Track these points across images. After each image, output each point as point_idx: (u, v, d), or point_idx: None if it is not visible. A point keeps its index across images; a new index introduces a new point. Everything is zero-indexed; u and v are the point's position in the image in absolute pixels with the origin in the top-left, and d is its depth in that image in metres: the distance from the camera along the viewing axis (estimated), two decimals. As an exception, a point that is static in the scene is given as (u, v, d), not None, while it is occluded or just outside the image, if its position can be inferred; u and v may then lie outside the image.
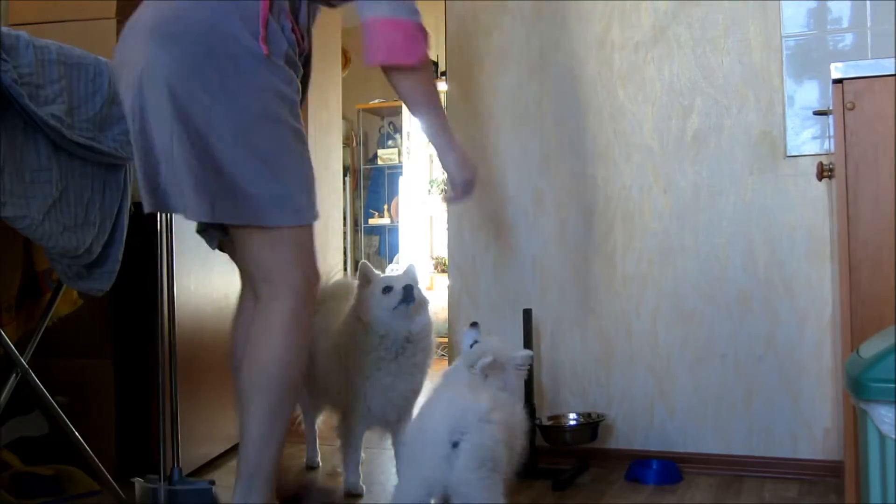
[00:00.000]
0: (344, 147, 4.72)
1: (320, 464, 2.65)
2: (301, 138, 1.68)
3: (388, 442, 2.48)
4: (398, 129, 6.58)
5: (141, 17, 1.69)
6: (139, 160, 1.65)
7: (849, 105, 1.77)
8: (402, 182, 6.42)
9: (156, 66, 1.59)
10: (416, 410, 1.59)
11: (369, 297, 2.23)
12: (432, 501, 1.56)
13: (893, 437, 1.20)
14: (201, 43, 1.60)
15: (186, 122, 1.58)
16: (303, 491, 2.05)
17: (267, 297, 1.69)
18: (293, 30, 1.68)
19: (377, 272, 2.31)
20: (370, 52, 1.72)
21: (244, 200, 1.62)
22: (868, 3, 2.38)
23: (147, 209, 1.70)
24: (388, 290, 2.22)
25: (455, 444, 1.48)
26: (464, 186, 1.92)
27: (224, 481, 2.48)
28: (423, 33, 1.77)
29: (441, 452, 1.49)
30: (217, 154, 1.59)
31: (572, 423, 2.58)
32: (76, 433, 2.01)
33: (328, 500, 2.13)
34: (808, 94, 2.43)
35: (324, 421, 2.72)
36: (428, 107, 1.86)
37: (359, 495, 2.31)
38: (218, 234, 1.82)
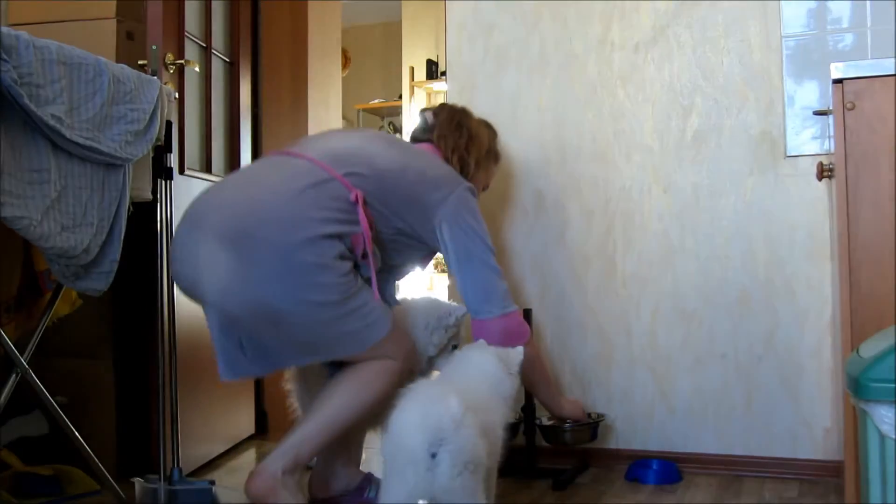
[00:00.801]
0: (344, 147, 4.71)
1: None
2: (353, 288, 1.86)
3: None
4: (398, 129, 6.58)
5: (213, 204, 1.89)
6: (219, 333, 1.93)
7: (849, 105, 1.77)
8: (403, 182, 6.41)
9: (230, 274, 1.80)
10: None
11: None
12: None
13: (893, 437, 1.20)
14: (267, 255, 1.79)
15: (257, 311, 1.83)
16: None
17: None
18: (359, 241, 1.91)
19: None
20: (488, 341, 1.98)
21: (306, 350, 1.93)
22: (868, 3, 2.38)
23: (228, 377, 1.95)
24: (455, 347, 2.24)
25: (433, 455, 1.48)
26: (581, 416, 2.46)
27: (224, 481, 2.48)
28: (521, 314, 2.15)
29: (422, 466, 1.48)
30: (289, 325, 1.85)
31: (572, 423, 2.58)
32: (76, 433, 2.01)
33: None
34: (808, 94, 2.43)
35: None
36: (540, 375, 2.26)
37: None
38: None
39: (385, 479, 1.55)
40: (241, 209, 1.84)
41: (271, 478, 1.85)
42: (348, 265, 1.86)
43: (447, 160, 2.17)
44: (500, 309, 2.06)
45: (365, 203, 1.89)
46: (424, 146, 2.20)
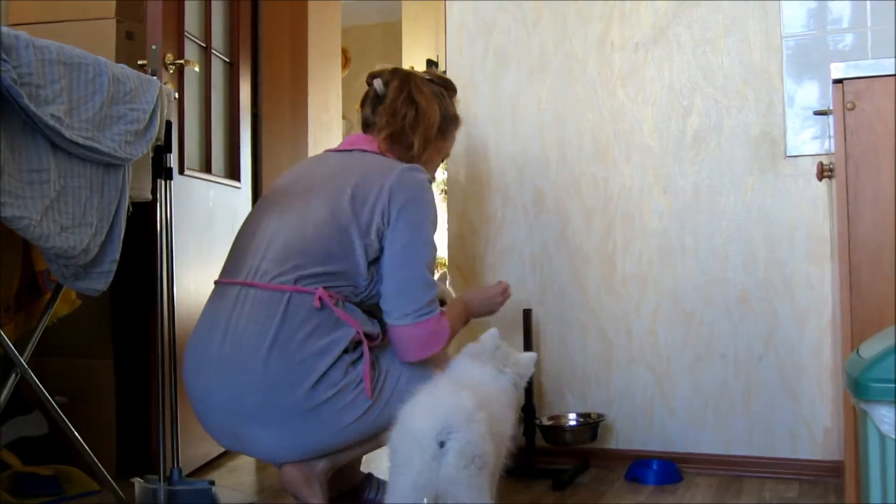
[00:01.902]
0: (344, 147, 4.72)
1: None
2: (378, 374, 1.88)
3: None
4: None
5: (210, 387, 1.86)
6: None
7: (849, 105, 1.77)
8: (403, 182, 6.41)
9: (272, 445, 1.86)
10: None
11: None
12: (425, 501, 1.57)
13: (893, 437, 1.20)
14: (293, 416, 1.80)
15: (314, 454, 1.88)
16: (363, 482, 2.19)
17: None
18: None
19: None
20: (405, 354, 1.92)
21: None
22: (868, 3, 2.37)
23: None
24: None
25: (442, 444, 1.49)
26: (503, 300, 2.26)
27: (224, 481, 2.48)
28: (442, 317, 1.94)
29: (429, 453, 1.48)
30: (351, 443, 1.90)
31: (572, 423, 2.58)
32: (76, 433, 2.01)
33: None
34: (808, 94, 2.43)
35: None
36: (458, 326, 2.11)
37: None
38: None
39: (391, 470, 1.55)
40: (240, 390, 1.80)
41: (310, 469, 1.88)
42: (361, 364, 1.83)
43: (391, 139, 2.04)
44: (414, 315, 1.89)
45: (329, 290, 1.82)
46: (361, 141, 2.07)
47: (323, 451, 1.87)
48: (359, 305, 1.90)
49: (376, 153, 2.04)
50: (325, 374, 1.78)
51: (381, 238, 1.89)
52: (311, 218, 1.89)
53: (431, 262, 1.94)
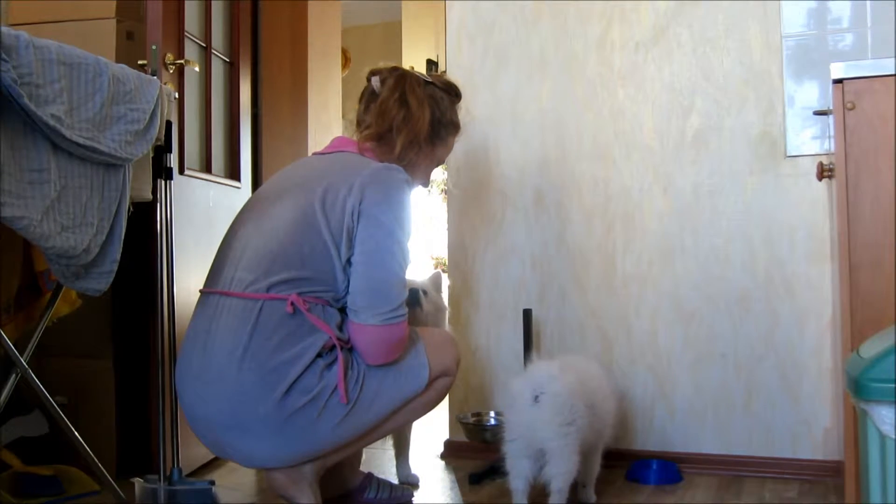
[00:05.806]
0: (344, 147, 4.72)
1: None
2: (356, 374, 1.85)
3: (389, 443, 2.49)
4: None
5: (196, 399, 1.84)
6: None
7: (849, 105, 1.77)
8: (402, 182, 6.39)
9: (257, 452, 1.84)
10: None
11: None
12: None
13: (893, 437, 1.20)
14: (268, 425, 1.78)
15: (301, 460, 1.86)
16: (364, 483, 2.20)
17: None
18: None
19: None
20: (372, 356, 1.86)
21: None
22: (868, 3, 2.38)
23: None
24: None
25: (536, 398, 1.90)
26: None
27: (224, 481, 2.48)
28: (405, 323, 1.87)
29: (525, 403, 1.91)
30: (342, 445, 1.90)
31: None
32: (76, 433, 2.01)
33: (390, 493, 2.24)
34: (808, 94, 2.43)
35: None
36: None
37: (414, 485, 2.39)
38: None
39: (504, 437, 1.97)
40: (217, 401, 1.78)
41: (297, 472, 1.86)
42: (335, 367, 1.79)
43: (376, 139, 2.02)
44: (377, 320, 1.82)
45: (305, 295, 1.78)
46: (345, 143, 2.06)
47: (306, 457, 1.85)
48: (339, 310, 1.86)
49: (356, 153, 2.02)
50: (297, 380, 1.74)
51: (352, 238, 1.82)
52: (282, 222, 1.84)
53: (405, 263, 1.88)
